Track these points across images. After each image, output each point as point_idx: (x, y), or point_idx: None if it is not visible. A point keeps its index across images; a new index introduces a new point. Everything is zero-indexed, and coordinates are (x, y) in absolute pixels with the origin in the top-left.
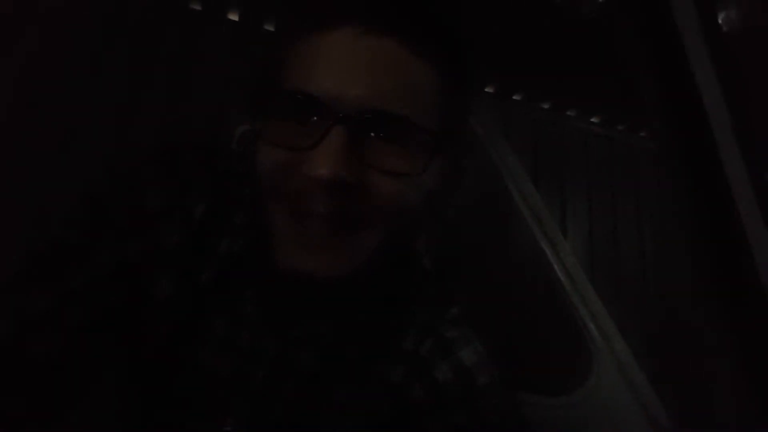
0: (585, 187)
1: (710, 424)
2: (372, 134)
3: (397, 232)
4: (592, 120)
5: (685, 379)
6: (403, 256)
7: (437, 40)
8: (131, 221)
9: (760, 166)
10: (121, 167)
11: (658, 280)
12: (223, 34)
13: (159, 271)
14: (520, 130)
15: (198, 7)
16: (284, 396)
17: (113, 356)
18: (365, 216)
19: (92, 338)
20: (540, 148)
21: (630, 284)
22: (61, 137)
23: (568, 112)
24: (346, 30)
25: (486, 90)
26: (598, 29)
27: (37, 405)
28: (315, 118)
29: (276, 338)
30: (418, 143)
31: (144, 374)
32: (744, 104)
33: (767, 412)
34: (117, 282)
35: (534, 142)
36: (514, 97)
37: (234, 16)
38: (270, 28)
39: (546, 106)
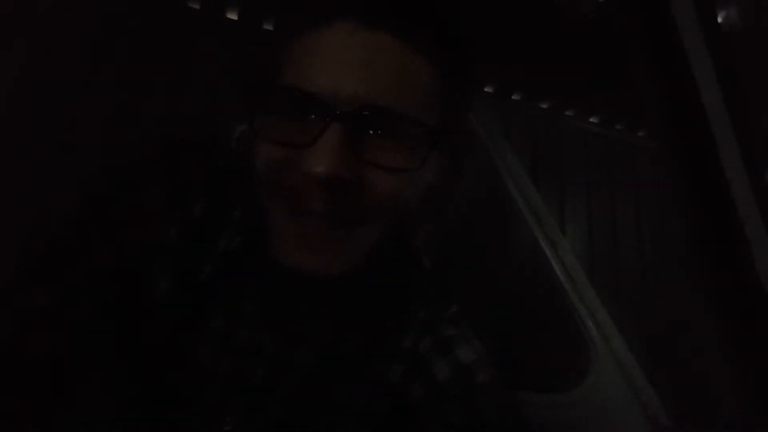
0: (584, 186)
1: (709, 422)
2: (369, 130)
3: (396, 229)
4: (592, 119)
5: (683, 378)
6: (402, 254)
7: (434, 35)
8: (130, 219)
9: (759, 165)
10: (121, 165)
11: (657, 279)
12: (221, 32)
13: (158, 269)
14: (520, 129)
15: (196, 6)
16: (283, 394)
17: (112, 354)
18: (363, 213)
19: (92, 336)
20: (539, 147)
21: (629, 283)
22: (60, 136)
23: (568, 112)
24: (343, 26)
25: (485, 89)
26: (597, 29)
27: (37, 403)
28: (312, 115)
29: (275, 336)
30: (416, 139)
31: (143, 372)
32: (743, 104)
33: (765, 411)
34: (116, 280)
35: (533, 142)
36: (514, 97)
37: (233, 15)
38: (269, 27)
39: (545, 105)
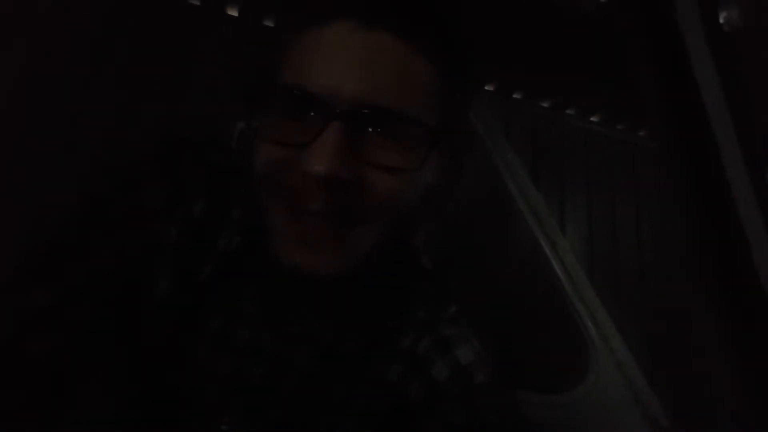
0: (584, 186)
1: (708, 422)
2: (369, 130)
3: (395, 229)
4: (592, 119)
5: (683, 378)
6: (402, 254)
7: (434, 34)
8: (130, 219)
9: (760, 165)
10: (121, 165)
11: (657, 279)
12: (222, 29)
13: (158, 269)
14: (520, 128)
15: (197, 3)
16: (282, 394)
17: (112, 354)
18: (363, 213)
19: (92, 336)
20: (540, 146)
21: (629, 283)
22: (59, 135)
23: (568, 111)
24: (343, 25)
25: (486, 88)
26: (598, 28)
27: (37, 403)
28: (311, 114)
29: (274, 336)
30: (416, 138)
31: (142, 371)
32: (745, 104)
33: (764, 410)
34: (116, 279)
35: (534, 141)
36: (515, 96)
37: (233, 12)
38: (269, 24)
39: (546, 104)
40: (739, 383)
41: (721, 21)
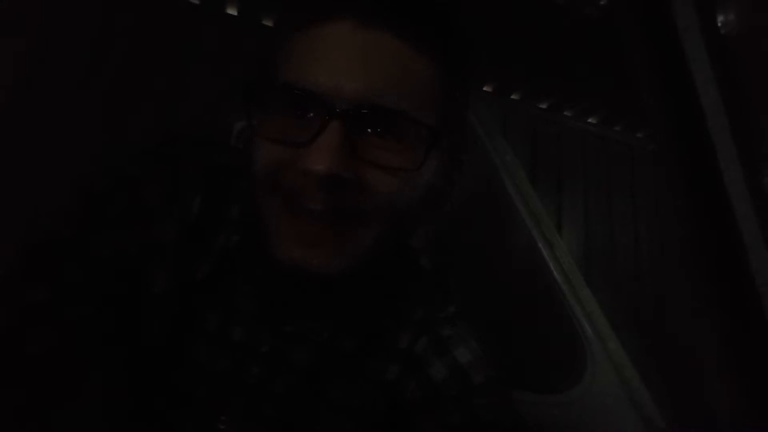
0: (582, 186)
1: (703, 423)
2: (368, 129)
3: (394, 229)
4: (590, 120)
5: (678, 379)
6: (400, 254)
7: (435, 33)
8: (129, 216)
9: (756, 167)
10: (119, 162)
11: (654, 280)
12: (221, 28)
13: (155, 266)
14: (519, 128)
15: (196, 2)
16: (278, 392)
17: (110, 351)
18: (362, 212)
19: (90, 333)
20: (538, 146)
21: (625, 284)
22: (58, 133)
23: (567, 112)
24: (343, 24)
25: (485, 88)
26: (597, 30)
27: (35, 397)
28: (311, 113)
29: (271, 334)
30: (416, 138)
31: (139, 368)
32: (742, 106)
33: (759, 411)
34: (114, 276)
35: (532, 141)
36: (513, 96)
37: (232, 11)
38: (268, 23)
39: (544, 105)
40: (735, 383)
41: (719, 24)
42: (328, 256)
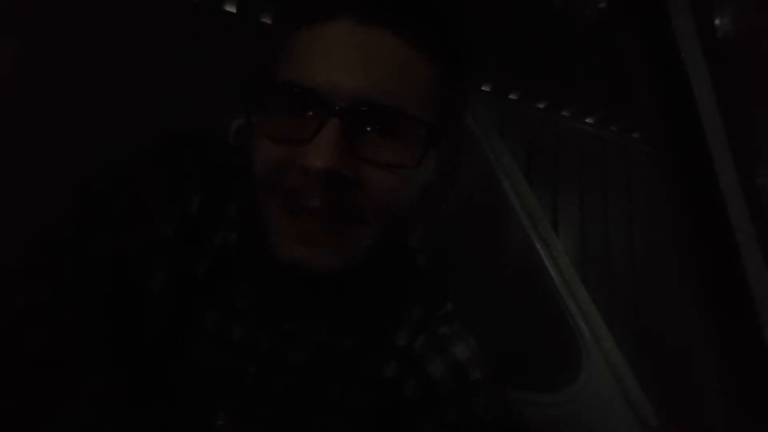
0: (578, 186)
1: (697, 423)
2: (367, 127)
3: (393, 227)
4: (587, 120)
5: (672, 379)
6: (398, 252)
7: (434, 32)
8: (127, 214)
9: (750, 169)
10: (118, 161)
11: (649, 280)
12: (219, 26)
13: (154, 264)
14: (516, 128)
15: None
16: (276, 390)
17: (108, 348)
18: (360, 210)
19: (88, 330)
20: (535, 147)
21: (621, 284)
22: (56, 131)
23: (564, 112)
24: (342, 22)
25: (482, 88)
26: (595, 32)
27: (34, 397)
28: (310, 111)
29: (269, 332)
30: (414, 136)
31: (137, 366)
32: (737, 108)
33: (754, 412)
34: (113, 275)
35: (529, 141)
36: (511, 96)
37: (231, 8)
38: (267, 20)
39: (541, 105)
40: (728, 383)
41: (716, 26)
42: (328, 255)
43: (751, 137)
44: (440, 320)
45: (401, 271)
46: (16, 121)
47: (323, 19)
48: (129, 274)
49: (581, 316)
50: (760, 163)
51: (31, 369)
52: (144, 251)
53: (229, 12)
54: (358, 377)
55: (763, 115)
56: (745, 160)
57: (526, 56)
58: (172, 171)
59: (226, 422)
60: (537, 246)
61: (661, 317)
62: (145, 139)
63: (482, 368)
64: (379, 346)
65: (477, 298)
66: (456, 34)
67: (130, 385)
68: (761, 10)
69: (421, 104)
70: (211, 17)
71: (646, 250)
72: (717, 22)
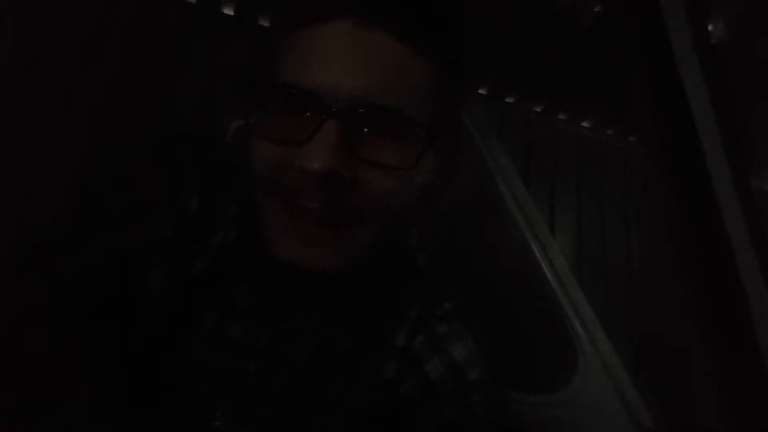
0: (575, 189)
1: (693, 424)
2: (365, 128)
3: (391, 227)
4: (583, 123)
5: (668, 381)
6: (396, 252)
7: (432, 33)
8: (126, 214)
9: (745, 171)
10: (116, 160)
11: (645, 282)
12: (217, 28)
13: (152, 263)
14: (513, 131)
15: (193, 1)
16: (275, 390)
17: (107, 348)
18: (359, 210)
19: (87, 330)
20: (532, 149)
21: (617, 286)
22: (54, 131)
23: (560, 115)
24: (340, 23)
25: (480, 91)
26: (591, 36)
27: (34, 397)
28: (308, 112)
29: (267, 332)
30: (412, 137)
31: (135, 366)
32: (730, 112)
33: (749, 413)
34: (111, 274)
35: (526, 144)
36: (508, 99)
37: (229, 11)
38: (265, 23)
39: (539, 108)
40: (723, 385)
41: (710, 31)
42: (327, 255)
43: (746, 140)
44: (439, 320)
45: (400, 270)
46: (16, 121)
47: (322, 20)
48: (127, 273)
49: (577, 317)
50: (754, 166)
51: (30, 369)
52: (143, 251)
53: (227, 14)
54: (357, 377)
55: (757, 119)
56: (740, 163)
57: (523, 59)
58: (171, 170)
59: (224, 421)
60: (533, 247)
61: (657, 319)
62: (144, 139)
63: (481, 368)
64: (378, 346)
65: (473, 299)
66: (455, 36)
67: (129, 384)
68: (755, 15)
69: (420, 105)
70: (209, 19)
71: (643, 251)
72: (711, 27)
